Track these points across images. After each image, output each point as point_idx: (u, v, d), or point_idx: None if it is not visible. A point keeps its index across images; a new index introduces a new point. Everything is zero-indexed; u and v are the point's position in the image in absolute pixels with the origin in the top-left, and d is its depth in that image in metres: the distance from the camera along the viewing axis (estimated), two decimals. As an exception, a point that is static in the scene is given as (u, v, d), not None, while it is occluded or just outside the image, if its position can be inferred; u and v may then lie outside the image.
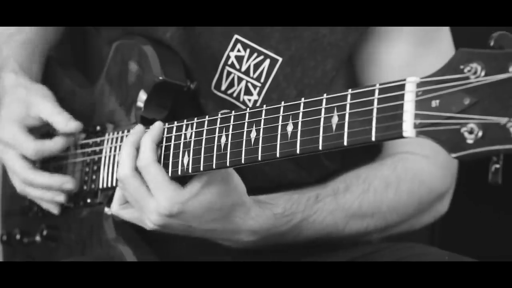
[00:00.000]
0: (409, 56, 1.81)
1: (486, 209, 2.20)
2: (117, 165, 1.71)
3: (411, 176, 1.79)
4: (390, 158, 1.82)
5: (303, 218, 1.72)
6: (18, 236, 2.02)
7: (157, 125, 1.64)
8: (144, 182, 1.62)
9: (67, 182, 1.88)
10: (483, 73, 1.20)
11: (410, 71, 1.75)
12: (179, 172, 1.61)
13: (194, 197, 1.60)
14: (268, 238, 1.70)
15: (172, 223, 1.63)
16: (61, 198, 1.89)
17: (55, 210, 1.92)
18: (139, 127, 1.66)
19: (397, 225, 1.81)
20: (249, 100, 1.81)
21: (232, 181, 1.61)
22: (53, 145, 1.88)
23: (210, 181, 1.59)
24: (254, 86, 1.82)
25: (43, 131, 1.92)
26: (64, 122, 1.87)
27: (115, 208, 1.71)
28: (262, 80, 1.81)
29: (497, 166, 1.19)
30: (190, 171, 1.58)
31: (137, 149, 1.64)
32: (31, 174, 1.89)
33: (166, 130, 1.68)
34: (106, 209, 1.83)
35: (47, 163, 1.96)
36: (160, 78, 1.79)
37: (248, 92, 1.82)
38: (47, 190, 1.89)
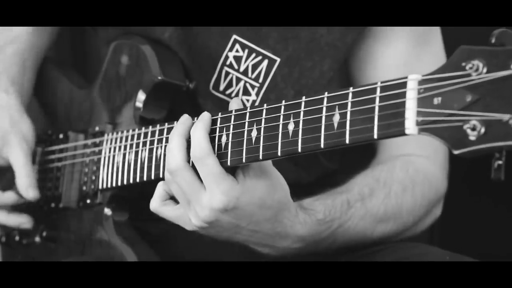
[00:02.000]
0: (406, 55, 1.82)
1: (486, 209, 2.20)
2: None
3: (422, 179, 1.79)
4: (399, 160, 1.80)
5: (340, 225, 1.68)
6: (17, 237, 2.01)
7: (206, 115, 1.54)
8: (196, 175, 1.53)
9: (24, 223, 1.93)
10: (484, 70, 1.20)
11: (408, 70, 1.75)
12: None
13: (247, 192, 1.51)
14: (310, 245, 1.66)
15: (222, 219, 1.54)
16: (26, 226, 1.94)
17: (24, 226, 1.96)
18: (186, 117, 1.56)
19: (410, 229, 1.80)
20: (248, 100, 1.81)
21: (274, 175, 1.54)
22: (4, 199, 1.91)
23: (256, 175, 1.52)
24: (253, 87, 1.82)
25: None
26: (25, 186, 1.88)
27: (156, 205, 1.61)
28: (260, 80, 1.81)
29: (500, 162, 1.19)
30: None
31: (187, 141, 1.55)
32: None
33: (166, 130, 1.68)
34: (106, 210, 1.83)
35: (47, 164, 1.96)
36: (159, 78, 1.79)
37: (246, 92, 1.82)
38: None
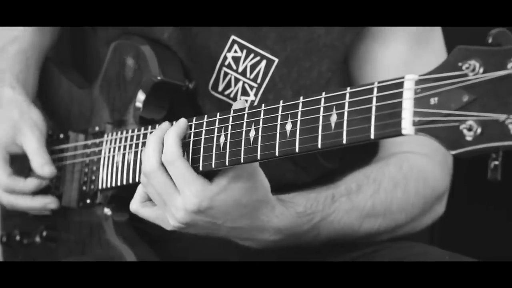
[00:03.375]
0: (405, 55, 1.81)
1: (486, 209, 2.19)
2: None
3: (416, 175, 1.78)
4: (394, 157, 1.80)
5: (322, 218, 1.69)
6: (17, 237, 2.02)
7: (182, 121, 1.58)
8: (170, 178, 1.56)
9: (49, 203, 1.92)
10: (481, 70, 1.20)
11: (407, 70, 1.74)
12: None
13: (222, 192, 1.54)
14: (290, 237, 1.68)
15: (198, 220, 1.57)
16: (47, 212, 1.93)
17: (45, 213, 1.95)
18: (166, 124, 1.60)
19: (404, 226, 1.79)
20: (246, 101, 1.81)
21: (258, 177, 1.56)
22: (24, 186, 1.91)
23: (237, 176, 1.54)
24: (251, 87, 1.82)
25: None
26: (40, 165, 1.89)
27: (135, 206, 1.65)
28: (258, 81, 1.81)
29: (496, 162, 1.19)
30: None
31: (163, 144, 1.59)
32: (12, 199, 1.93)
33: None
34: (106, 210, 1.83)
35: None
36: (159, 78, 1.79)
37: (245, 93, 1.82)
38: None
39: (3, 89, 1.97)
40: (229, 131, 1.52)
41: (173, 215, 1.58)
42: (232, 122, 1.52)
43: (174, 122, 1.59)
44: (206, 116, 1.58)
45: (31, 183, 1.91)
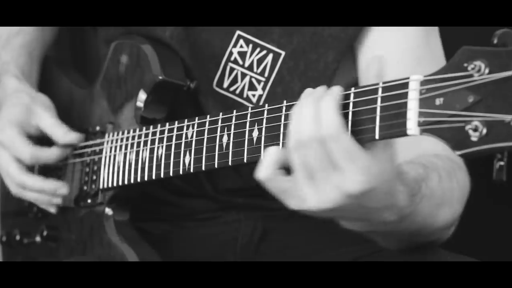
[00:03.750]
0: (417, 39, 1.76)
1: (486, 209, 2.20)
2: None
3: (458, 168, 1.64)
4: (428, 153, 1.64)
5: (417, 203, 1.49)
6: (18, 237, 2.01)
7: (338, 89, 1.37)
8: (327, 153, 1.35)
9: (61, 187, 1.88)
10: (487, 71, 1.20)
11: (421, 53, 1.74)
12: (181, 172, 1.61)
13: (384, 165, 1.34)
14: (401, 219, 1.46)
15: (352, 205, 1.36)
16: (57, 201, 1.90)
17: (52, 209, 1.92)
18: (322, 88, 1.39)
19: (454, 222, 1.64)
20: (254, 95, 1.81)
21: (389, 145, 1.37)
22: (50, 154, 1.88)
23: (385, 145, 1.35)
24: (258, 81, 1.82)
25: (41, 141, 1.92)
26: (63, 132, 1.87)
27: (268, 172, 1.40)
28: (266, 74, 1.81)
29: (502, 163, 1.19)
30: (191, 170, 1.58)
31: None
32: (25, 177, 1.89)
33: (167, 129, 1.68)
34: (107, 210, 1.83)
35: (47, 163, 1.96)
36: (160, 77, 1.79)
37: (252, 87, 1.82)
38: (41, 194, 1.89)
39: (9, 80, 1.96)
40: (232, 131, 1.53)
41: (326, 194, 1.35)
42: (235, 121, 1.52)
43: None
44: (208, 115, 1.59)
45: (56, 151, 1.88)
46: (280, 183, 1.39)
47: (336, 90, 1.36)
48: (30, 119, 1.90)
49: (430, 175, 1.54)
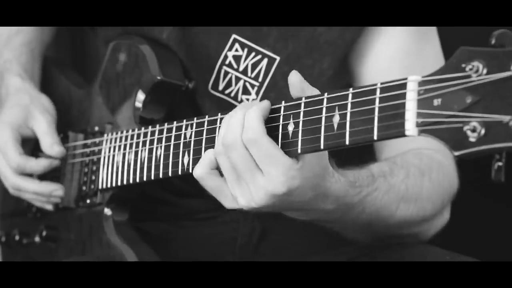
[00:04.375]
0: (407, 48, 1.78)
1: (486, 209, 2.20)
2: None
3: (437, 167, 1.72)
4: (410, 152, 1.74)
5: (368, 193, 1.58)
6: (17, 237, 2.02)
7: (266, 103, 1.45)
8: (251, 155, 1.43)
9: (56, 189, 1.90)
10: (484, 72, 1.20)
11: (410, 62, 1.75)
12: (179, 172, 1.61)
13: (304, 169, 1.41)
14: (342, 207, 1.55)
15: (276, 202, 1.44)
16: (53, 201, 1.91)
17: (48, 207, 1.93)
18: (248, 102, 1.49)
19: (427, 220, 1.72)
20: (247, 99, 1.82)
21: None
22: (35, 165, 1.90)
23: None
24: (252, 86, 1.82)
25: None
26: (49, 144, 1.89)
27: (202, 171, 1.50)
28: (260, 79, 1.81)
29: (500, 163, 1.19)
30: (190, 171, 1.58)
31: None
32: (20, 180, 1.91)
33: (165, 130, 1.67)
34: (106, 210, 1.83)
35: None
36: (159, 78, 1.79)
37: (246, 91, 1.82)
38: (37, 196, 1.91)
39: (11, 78, 1.98)
40: None
41: (250, 194, 1.44)
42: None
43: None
44: (206, 116, 1.58)
45: (42, 162, 1.90)
46: (212, 182, 1.49)
47: (265, 103, 1.44)
48: (27, 121, 1.92)
49: (394, 171, 1.63)
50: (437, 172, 1.71)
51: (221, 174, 1.49)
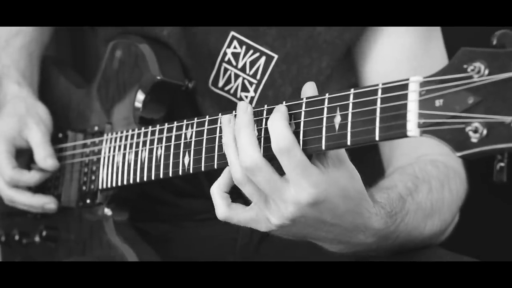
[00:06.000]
0: (414, 48, 1.77)
1: (486, 209, 2.20)
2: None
3: (453, 175, 1.71)
4: (425, 159, 1.71)
5: (402, 219, 1.55)
6: (17, 237, 2.01)
7: (283, 107, 1.41)
8: (274, 171, 1.39)
9: (48, 203, 1.91)
10: (486, 72, 1.20)
11: (418, 62, 1.74)
12: (180, 172, 1.61)
13: (333, 182, 1.38)
14: (380, 240, 1.53)
15: (308, 215, 1.40)
16: (49, 210, 1.92)
17: (48, 210, 1.94)
18: (246, 104, 1.43)
19: (447, 227, 1.70)
20: (246, 96, 1.82)
21: (350, 163, 1.41)
22: (28, 178, 1.91)
23: (338, 165, 1.39)
24: (251, 83, 1.82)
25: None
26: (43, 157, 1.89)
27: (224, 212, 1.47)
28: (258, 77, 1.81)
29: (502, 164, 1.19)
30: (191, 171, 1.58)
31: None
32: (13, 193, 1.93)
33: (165, 130, 1.67)
34: (106, 210, 1.83)
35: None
36: (159, 77, 1.78)
37: (244, 89, 1.82)
38: (30, 207, 1.93)
39: (9, 85, 1.98)
40: None
41: (280, 211, 1.40)
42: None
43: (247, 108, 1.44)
44: (207, 116, 1.58)
45: (35, 175, 1.91)
46: (243, 215, 1.46)
47: (283, 108, 1.40)
48: (22, 132, 1.92)
49: (419, 187, 1.61)
50: (454, 180, 1.70)
51: (236, 197, 1.48)
